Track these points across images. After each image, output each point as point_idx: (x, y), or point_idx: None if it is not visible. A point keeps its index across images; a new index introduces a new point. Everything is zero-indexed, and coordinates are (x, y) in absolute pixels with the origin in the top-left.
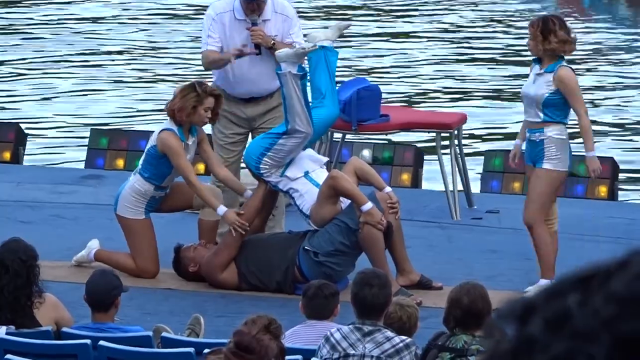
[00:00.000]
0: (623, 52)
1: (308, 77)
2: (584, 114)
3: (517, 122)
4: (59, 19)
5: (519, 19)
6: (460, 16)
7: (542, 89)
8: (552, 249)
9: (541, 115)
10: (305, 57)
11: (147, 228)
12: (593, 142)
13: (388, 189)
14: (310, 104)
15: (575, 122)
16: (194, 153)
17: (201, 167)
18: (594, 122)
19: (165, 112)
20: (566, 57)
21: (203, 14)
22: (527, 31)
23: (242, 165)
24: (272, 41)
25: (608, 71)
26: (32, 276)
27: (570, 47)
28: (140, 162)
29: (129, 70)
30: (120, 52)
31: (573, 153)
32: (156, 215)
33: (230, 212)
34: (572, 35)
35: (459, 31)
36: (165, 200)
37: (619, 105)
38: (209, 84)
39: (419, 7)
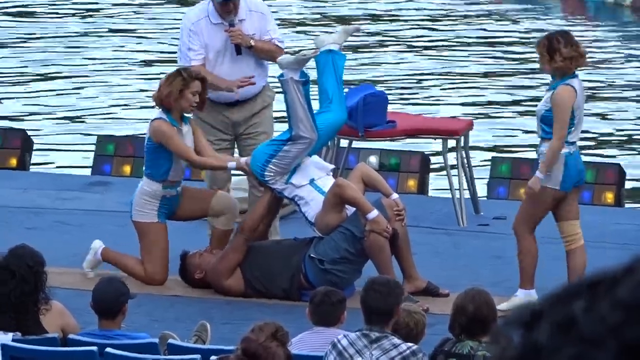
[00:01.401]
0: (627, 58)
1: (311, 83)
2: (557, 138)
3: (525, 131)
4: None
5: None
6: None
7: (542, 105)
8: (531, 261)
9: (540, 131)
10: (307, 63)
11: (160, 233)
12: (549, 167)
13: (395, 195)
14: (318, 109)
15: (590, 134)
16: (189, 140)
17: (127, 169)
18: (601, 132)
19: (155, 104)
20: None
21: None
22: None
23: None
24: (251, 40)
25: (612, 77)
26: (39, 282)
27: (578, 62)
28: (144, 162)
29: (135, 75)
30: (126, 58)
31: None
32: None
33: (240, 158)
34: (581, 49)
35: (468, 39)
36: (181, 207)
37: (621, 111)
38: None
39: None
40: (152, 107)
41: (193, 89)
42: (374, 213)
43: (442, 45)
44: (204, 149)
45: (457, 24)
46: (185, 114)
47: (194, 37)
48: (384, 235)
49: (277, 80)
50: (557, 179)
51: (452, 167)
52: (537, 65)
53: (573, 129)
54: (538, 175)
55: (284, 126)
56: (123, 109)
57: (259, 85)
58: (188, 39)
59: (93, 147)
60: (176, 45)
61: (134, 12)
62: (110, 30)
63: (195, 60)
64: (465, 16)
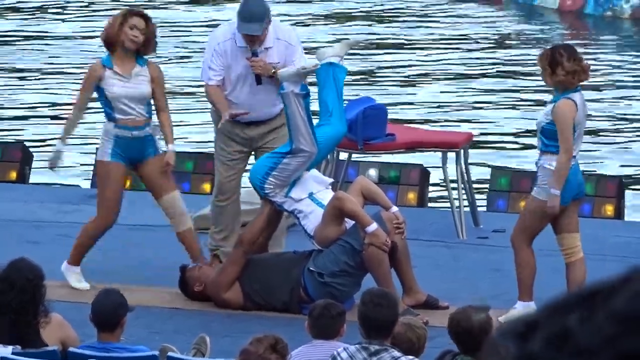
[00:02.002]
0: (627, 71)
1: (312, 96)
2: (563, 152)
3: (524, 144)
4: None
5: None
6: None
7: (543, 117)
8: (529, 273)
9: (540, 143)
10: (308, 76)
11: (111, 172)
12: (561, 182)
13: (394, 208)
14: (318, 122)
15: (589, 147)
16: (143, 83)
17: (207, 186)
18: (598, 143)
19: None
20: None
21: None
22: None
23: (243, 185)
24: (273, 69)
25: (611, 90)
26: (38, 295)
27: (580, 77)
28: None
29: None
30: None
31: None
32: (163, 232)
33: (171, 152)
34: (584, 63)
35: (468, 50)
36: (145, 166)
37: (624, 121)
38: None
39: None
40: (156, 121)
41: (131, 23)
42: (373, 226)
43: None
44: (159, 102)
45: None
46: (145, 56)
47: (216, 56)
48: (383, 249)
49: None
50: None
51: (452, 180)
52: (536, 81)
53: (573, 142)
54: (555, 193)
55: None
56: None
57: (276, 110)
58: (211, 57)
59: (93, 160)
60: (185, 52)
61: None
62: None
63: (213, 80)
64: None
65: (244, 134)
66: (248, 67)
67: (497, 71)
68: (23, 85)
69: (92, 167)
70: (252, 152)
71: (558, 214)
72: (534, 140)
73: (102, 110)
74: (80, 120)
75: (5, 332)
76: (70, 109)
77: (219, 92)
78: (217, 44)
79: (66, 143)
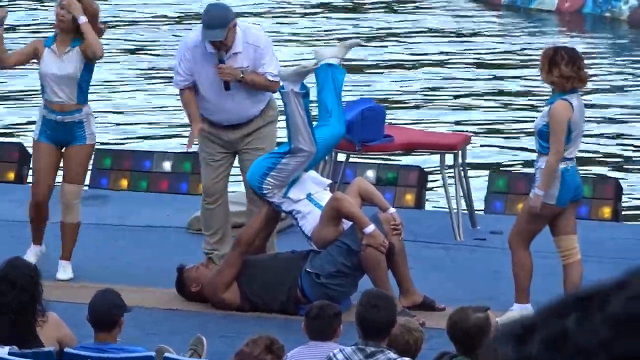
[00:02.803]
0: (625, 75)
1: (312, 96)
2: (553, 154)
3: (522, 147)
4: None
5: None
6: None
7: (540, 120)
8: (526, 275)
9: (537, 145)
10: (308, 75)
11: (39, 151)
12: (548, 182)
13: (392, 210)
14: (317, 122)
15: (587, 149)
16: (75, 65)
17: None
18: (597, 146)
19: None
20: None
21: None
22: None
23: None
24: (241, 75)
25: (611, 93)
26: (36, 293)
27: (574, 84)
28: None
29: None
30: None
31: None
32: (161, 233)
33: None
34: (582, 73)
35: (468, 51)
36: (66, 152)
37: (623, 123)
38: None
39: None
40: (154, 121)
41: (62, 3)
42: (370, 227)
43: (436, 61)
44: (89, 49)
45: (451, 40)
46: (80, 39)
47: (184, 62)
48: (380, 250)
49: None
50: (554, 195)
51: (450, 182)
52: (534, 82)
53: (569, 144)
54: (538, 193)
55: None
56: (122, 122)
57: (253, 112)
58: (179, 62)
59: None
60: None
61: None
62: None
63: (180, 84)
64: (458, 34)
65: (224, 137)
66: (215, 73)
67: (491, 75)
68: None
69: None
70: (235, 154)
71: (556, 215)
72: (530, 143)
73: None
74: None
75: (5, 332)
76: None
77: (189, 98)
78: (186, 49)
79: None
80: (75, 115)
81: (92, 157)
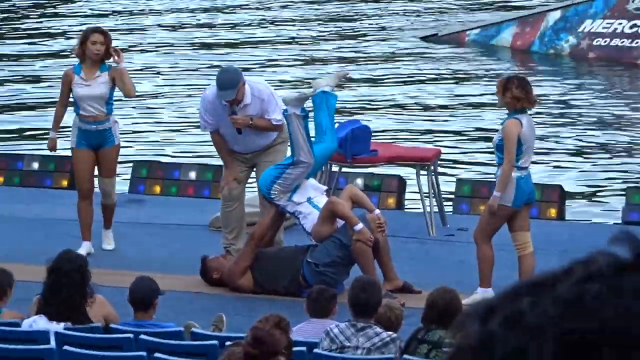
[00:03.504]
0: (567, 101)
1: (310, 117)
2: (506, 162)
3: (482, 155)
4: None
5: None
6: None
7: (497, 136)
8: (488, 265)
9: (496, 157)
10: (307, 101)
11: (78, 157)
12: (503, 187)
13: (377, 211)
14: (313, 139)
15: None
16: (105, 87)
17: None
18: (554, 154)
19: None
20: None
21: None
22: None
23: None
24: (250, 121)
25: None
26: (85, 279)
27: (523, 104)
28: None
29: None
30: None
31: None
32: (188, 230)
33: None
34: (531, 96)
35: (440, 76)
36: (101, 153)
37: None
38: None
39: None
40: (179, 130)
41: (92, 39)
42: (359, 225)
43: (413, 81)
44: (126, 91)
45: (421, 63)
46: (110, 64)
47: (209, 112)
48: (367, 244)
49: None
50: (510, 198)
51: (424, 188)
52: (493, 102)
53: (522, 155)
54: (495, 195)
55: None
56: (157, 134)
57: (267, 142)
58: (204, 113)
59: (129, 170)
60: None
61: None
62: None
63: (208, 128)
64: (433, 57)
65: (244, 156)
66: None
67: (459, 103)
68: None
69: (129, 176)
70: (253, 167)
71: (512, 215)
72: (490, 157)
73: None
74: (64, 114)
75: (59, 311)
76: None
77: (218, 139)
78: (207, 102)
79: (56, 132)
80: (106, 124)
81: (131, 165)
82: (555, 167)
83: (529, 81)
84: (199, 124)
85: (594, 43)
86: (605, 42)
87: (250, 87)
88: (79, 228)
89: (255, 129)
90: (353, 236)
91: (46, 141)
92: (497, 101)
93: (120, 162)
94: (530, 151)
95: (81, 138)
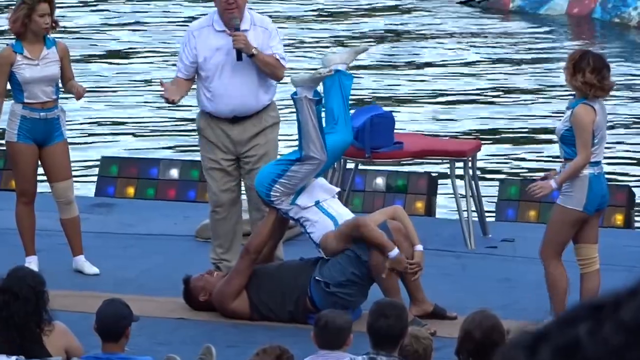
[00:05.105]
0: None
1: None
2: (583, 158)
3: (534, 152)
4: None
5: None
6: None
7: (562, 124)
8: (562, 289)
9: (562, 151)
10: (321, 82)
11: (20, 152)
12: (566, 180)
13: (420, 247)
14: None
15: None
16: (56, 66)
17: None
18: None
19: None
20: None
21: None
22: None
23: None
24: (254, 49)
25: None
26: (41, 302)
27: (596, 93)
28: None
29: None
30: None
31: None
32: (169, 242)
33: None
34: (606, 82)
35: (479, 60)
36: (49, 150)
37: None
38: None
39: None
40: (162, 129)
41: (39, 12)
42: (395, 252)
43: (450, 63)
44: (66, 77)
45: (466, 44)
46: (55, 39)
47: (189, 50)
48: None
49: (290, 98)
50: (581, 201)
51: (461, 189)
52: (548, 86)
53: (595, 148)
54: (552, 184)
55: (287, 149)
56: (128, 128)
57: (260, 102)
58: (183, 50)
59: (96, 169)
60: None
61: (144, 30)
62: (115, 47)
63: (181, 73)
64: (474, 34)
65: (229, 138)
66: (226, 55)
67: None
68: None
69: (95, 176)
70: (238, 159)
71: (582, 222)
72: (544, 148)
73: (13, 92)
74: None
75: (10, 341)
76: None
77: (180, 80)
78: (191, 34)
79: None
80: (54, 111)
81: (98, 162)
82: (620, 163)
83: (607, 62)
84: (182, 110)
85: None
86: None
87: (250, 14)
88: (20, 240)
89: (257, 61)
90: (386, 264)
91: None
92: (564, 82)
93: (82, 161)
94: (604, 142)
95: (23, 130)
